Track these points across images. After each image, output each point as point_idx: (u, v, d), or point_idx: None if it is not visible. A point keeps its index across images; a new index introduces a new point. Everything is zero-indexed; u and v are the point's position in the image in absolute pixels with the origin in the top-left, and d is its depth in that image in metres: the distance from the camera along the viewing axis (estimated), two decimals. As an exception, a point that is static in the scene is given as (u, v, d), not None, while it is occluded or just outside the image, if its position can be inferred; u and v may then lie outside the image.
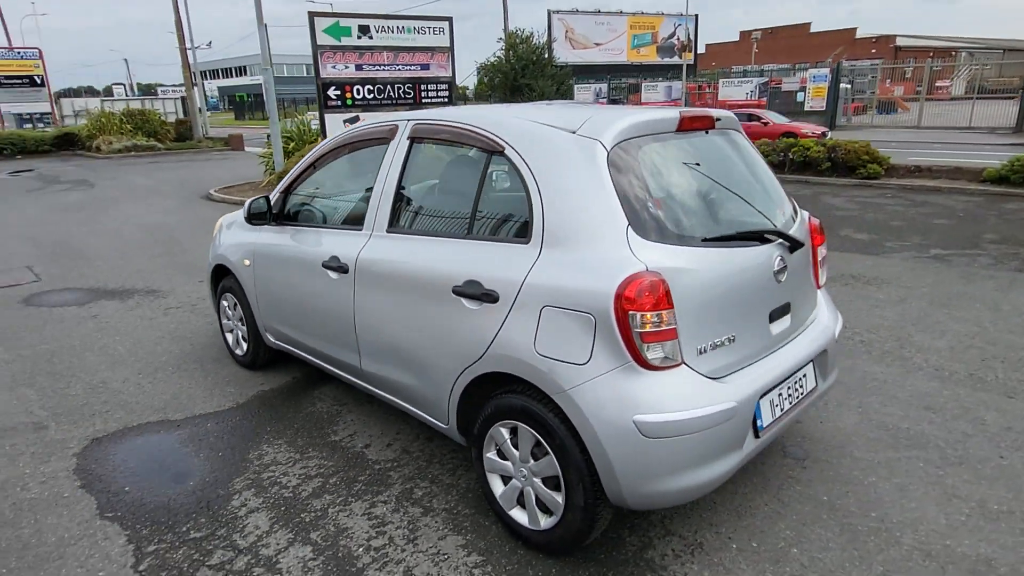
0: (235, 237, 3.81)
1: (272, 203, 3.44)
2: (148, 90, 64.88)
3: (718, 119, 2.50)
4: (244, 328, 3.87)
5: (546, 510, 2.27)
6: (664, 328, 1.98)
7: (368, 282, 2.78)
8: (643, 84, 30.32)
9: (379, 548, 2.38)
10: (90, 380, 3.88)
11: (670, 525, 2.46)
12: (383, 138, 2.91)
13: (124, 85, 58.96)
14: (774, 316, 2.38)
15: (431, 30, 13.15)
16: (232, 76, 75.93)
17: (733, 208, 2.41)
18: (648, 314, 1.94)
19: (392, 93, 13.07)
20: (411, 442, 3.11)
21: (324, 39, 12.31)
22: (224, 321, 4.14)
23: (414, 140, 2.77)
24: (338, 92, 12.61)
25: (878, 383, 3.58)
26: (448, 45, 13.41)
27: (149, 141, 22.36)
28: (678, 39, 36.11)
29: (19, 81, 25.27)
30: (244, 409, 3.49)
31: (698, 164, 2.43)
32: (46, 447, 3.14)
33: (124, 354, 4.27)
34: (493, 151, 2.40)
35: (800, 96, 23.94)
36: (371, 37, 12.62)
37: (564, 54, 33.95)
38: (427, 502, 2.65)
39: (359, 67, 12.66)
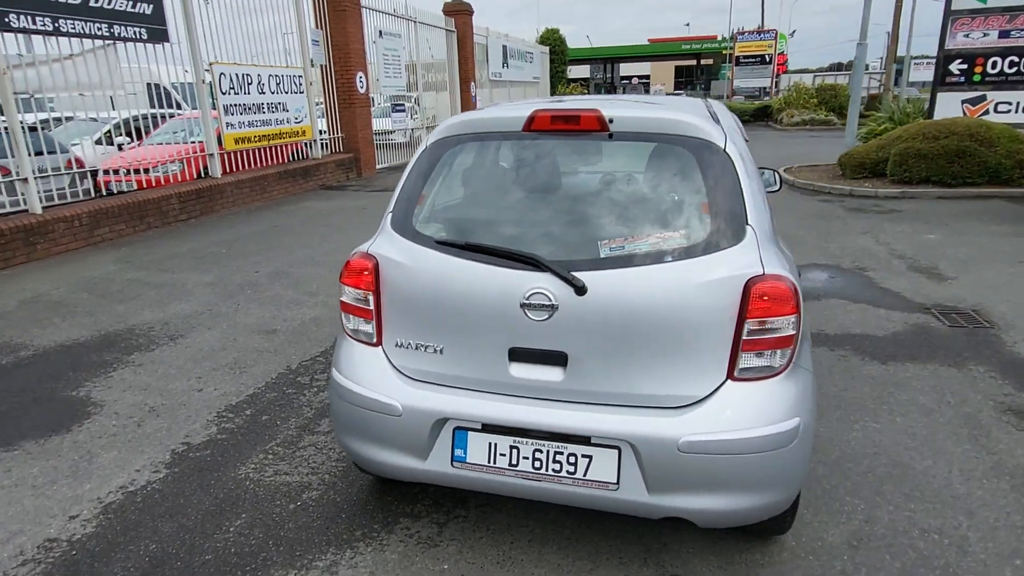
0: None
1: None
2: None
3: (610, 120, 2.06)
4: None
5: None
6: (360, 306, 2.20)
7: None
8: None
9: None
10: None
11: (451, 531, 2.47)
12: None
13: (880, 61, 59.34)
14: (520, 357, 1.99)
15: None
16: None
17: (534, 223, 2.04)
18: (348, 288, 2.22)
19: (1050, 65, 9.90)
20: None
21: (962, 3, 10.37)
22: None
23: None
24: (963, 66, 10.55)
25: None
26: None
27: (828, 116, 23.04)
28: None
29: (752, 60, 29.84)
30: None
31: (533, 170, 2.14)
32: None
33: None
34: None
35: None
36: (1037, -8, 9.76)
37: None
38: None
39: (1004, 34, 10.12)
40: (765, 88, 29.99)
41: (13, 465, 2.93)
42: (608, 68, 52.79)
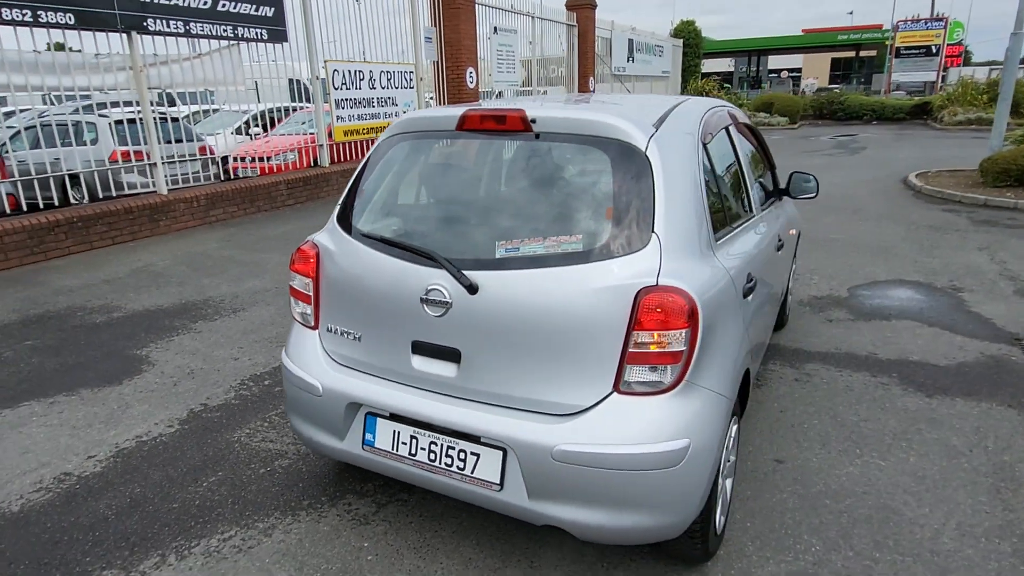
0: None
1: None
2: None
3: (533, 120, 2.05)
4: None
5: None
6: (303, 291, 2.35)
7: None
8: None
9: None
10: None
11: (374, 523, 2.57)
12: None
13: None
14: (420, 350, 2.04)
15: None
16: None
17: (449, 220, 2.06)
18: (294, 274, 2.37)
19: None
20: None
21: None
22: None
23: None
24: None
25: None
26: None
27: (1000, 114, 20.19)
28: None
29: (916, 51, 26.79)
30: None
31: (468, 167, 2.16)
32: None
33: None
34: None
35: None
36: None
37: None
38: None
39: None
40: (932, 82, 26.81)
41: (66, 408, 3.44)
42: (754, 61, 49.87)
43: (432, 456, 2.05)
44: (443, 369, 2.03)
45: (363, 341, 2.19)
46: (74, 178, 7.88)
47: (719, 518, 2.18)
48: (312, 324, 2.35)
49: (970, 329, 4.26)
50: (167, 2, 7.20)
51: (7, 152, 8.52)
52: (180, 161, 7.95)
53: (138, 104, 7.31)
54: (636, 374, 1.81)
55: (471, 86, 12.55)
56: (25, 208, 6.75)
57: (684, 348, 1.78)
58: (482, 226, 2.07)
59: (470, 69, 12.44)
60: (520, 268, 1.90)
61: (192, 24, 7.53)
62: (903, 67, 27.23)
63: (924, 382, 3.55)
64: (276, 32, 8.72)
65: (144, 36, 7.12)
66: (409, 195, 2.32)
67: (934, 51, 26.60)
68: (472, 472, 1.98)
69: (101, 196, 7.28)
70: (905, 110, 23.05)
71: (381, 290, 2.11)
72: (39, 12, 6.11)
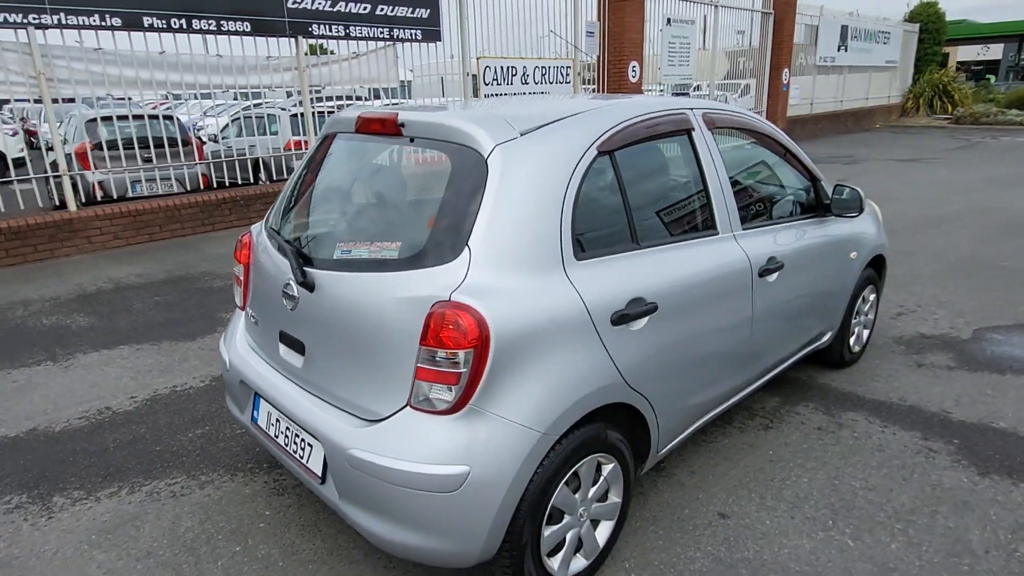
0: None
1: None
2: None
3: (402, 124, 2.05)
4: None
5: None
6: (239, 276, 2.58)
7: None
8: None
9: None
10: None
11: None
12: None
13: None
14: (284, 340, 2.15)
15: None
16: None
17: (323, 219, 2.12)
18: (236, 262, 2.62)
19: None
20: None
21: None
22: None
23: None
24: None
25: None
26: None
27: None
28: None
29: None
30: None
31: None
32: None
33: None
34: None
35: None
36: None
37: None
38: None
39: None
40: None
41: (142, 356, 4.13)
42: (1029, 47, 41.41)
43: (286, 440, 2.16)
44: (295, 359, 2.13)
45: (258, 325, 2.37)
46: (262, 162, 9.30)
47: (562, 561, 2.00)
48: (242, 306, 2.59)
49: (1115, 400, 3.26)
50: (330, 8, 8.08)
51: (226, 137, 10.29)
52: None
53: (348, 99, 8.35)
54: (423, 391, 1.74)
55: (633, 80, 12.22)
56: (231, 184, 8.20)
57: (466, 370, 1.67)
58: (337, 227, 2.13)
59: (633, 63, 12.10)
60: (347, 271, 1.92)
61: (352, 27, 8.35)
62: None
63: (991, 456, 2.82)
64: (430, 32, 9.31)
65: (308, 40, 8.08)
66: (309, 191, 2.43)
67: None
68: (307, 461, 2.06)
69: (276, 178, 8.47)
70: None
71: (267, 280, 2.27)
72: (222, 22, 7.24)
